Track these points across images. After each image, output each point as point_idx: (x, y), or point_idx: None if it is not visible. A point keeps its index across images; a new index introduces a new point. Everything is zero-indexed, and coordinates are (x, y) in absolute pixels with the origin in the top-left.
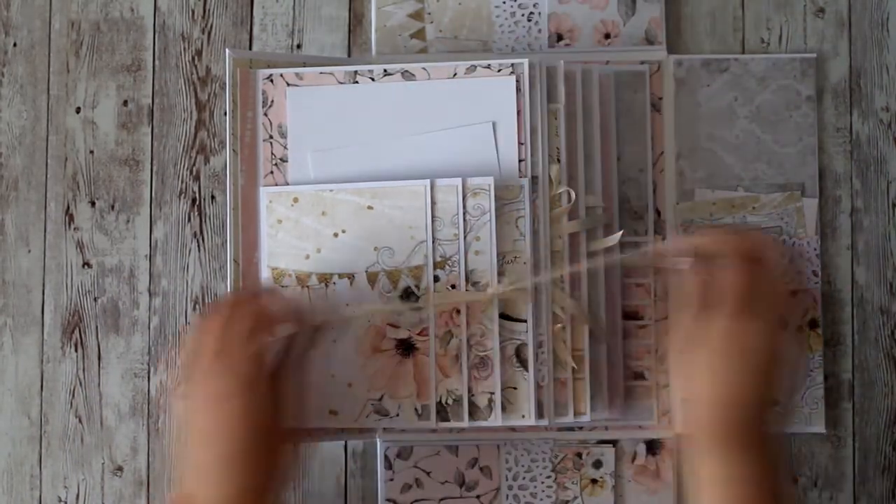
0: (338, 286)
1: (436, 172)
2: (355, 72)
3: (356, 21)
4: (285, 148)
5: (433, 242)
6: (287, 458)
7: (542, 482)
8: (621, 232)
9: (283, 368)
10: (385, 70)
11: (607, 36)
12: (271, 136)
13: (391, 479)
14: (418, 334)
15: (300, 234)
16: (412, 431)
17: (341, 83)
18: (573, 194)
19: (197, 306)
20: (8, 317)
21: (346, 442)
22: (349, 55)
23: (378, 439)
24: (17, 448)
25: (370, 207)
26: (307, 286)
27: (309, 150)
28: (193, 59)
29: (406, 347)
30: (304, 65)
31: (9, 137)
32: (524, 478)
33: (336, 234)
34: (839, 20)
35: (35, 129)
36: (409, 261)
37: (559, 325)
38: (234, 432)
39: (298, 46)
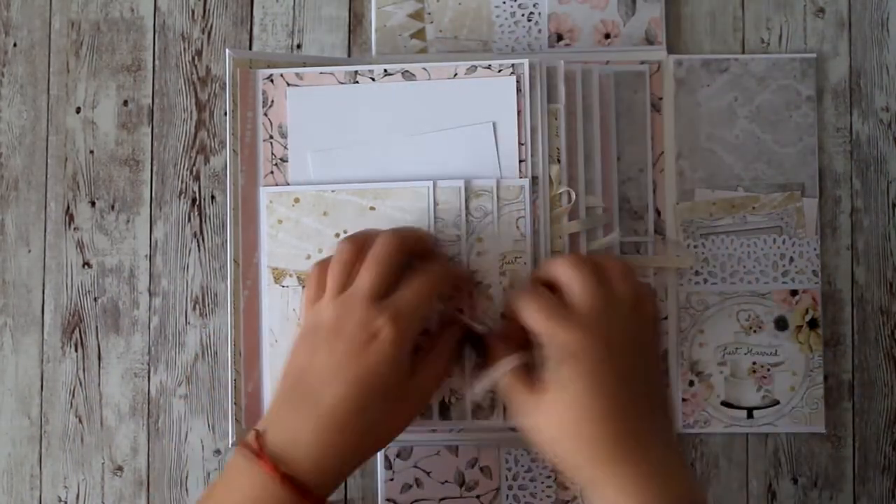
0: None
1: (436, 172)
2: (356, 72)
3: (356, 21)
4: (285, 148)
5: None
6: (388, 438)
7: (542, 482)
8: (616, 232)
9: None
10: (385, 70)
11: (607, 36)
12: (271, 136)
13: (391, 479)
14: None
15: (301, 234)
16: (412, 431)
17: (341, 83)
18: (573, 194)
19: (197, 306)
20: (8, 317)
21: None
22: (349, 55)
23: None
24: (17, 448)
25: (372, 208)
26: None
27: (309, 150)
28: (193, 59)
29: None
30: (305, 65)
31: (9, 137)
32: (524, 478)
33: (338, 235)
34: (839, 20)
35: (35, 129)
36: None
37: None
38: (364, 376)
39: (298, 46)
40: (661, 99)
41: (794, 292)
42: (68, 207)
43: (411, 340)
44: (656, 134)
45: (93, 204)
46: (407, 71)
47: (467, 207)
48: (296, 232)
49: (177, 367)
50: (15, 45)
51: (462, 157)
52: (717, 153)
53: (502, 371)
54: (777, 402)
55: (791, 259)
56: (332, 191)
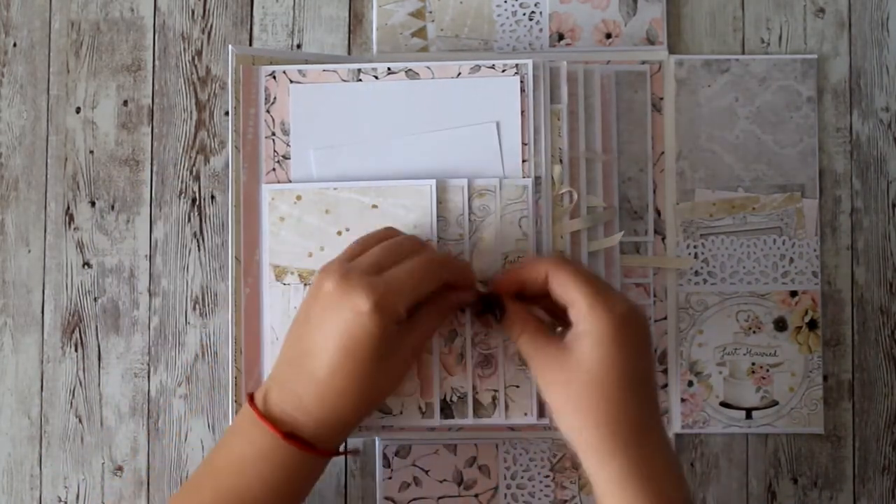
0: None
1: (439, 171)
2: (359, 70)
3: (356, 21)
4: (287, 145)
5: (438, 242)
6: (387, 391)
7: (541, 481)
8: (622, 233)
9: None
10: (389, 68)
11: (608, 36)
12: (273, 134)
13: (389, 478)
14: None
15: (303, 231)
16: (411, 430)
17: (344, 81)
18: (575, 195)
19: (197, 306)
20: (8, 317)
21: (345, 441)
22: (349, 55)
23: (377, 438)
24: (17, 448)
25: (374, 206)
26: (310, 283)
27: (311, 147)
28: (193, 59)
29: None
30: (307, 62)
31: (9, 137)
32: (522, 477)
33: (339, 233)
34: (839, 20)
35: (35, 129)
36: None
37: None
38: (352, 346)
39: (298, 46)
40: (661, 99)
41: (793, 293)
42: (68, 207)
43: (397, 316)
44: (657, 134)
45: (93, 204)
46: (410, 69)
47: (470, 206)
48: (298, 229)
49: (177, 367)
50: (15, 45)
51: (465, 157)
52: (717, 153)
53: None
54: (776, 403)
55: (791, 260)
56: (335, 188)
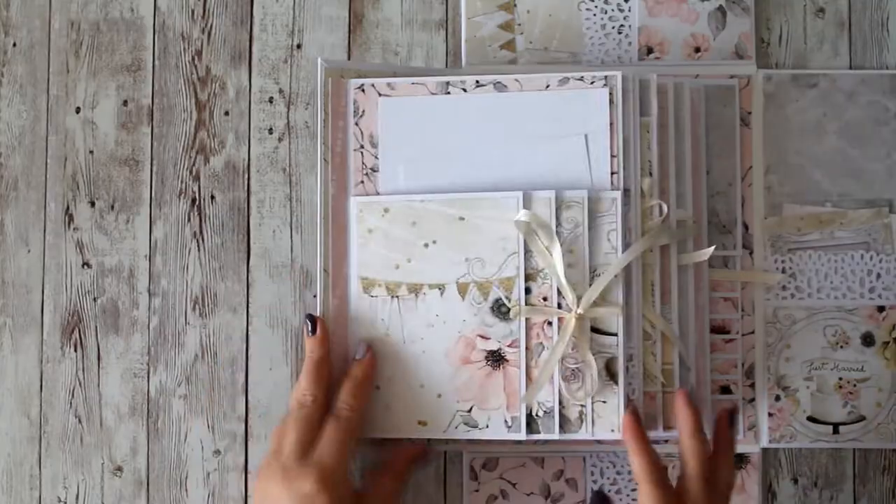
0: (428, 297)
1: (527, 184)
2: (447, 82)
3: (356, 21)
4: (376, 158)
5: (525, 254)
6: None
7: (627, 495)
8: (712, 248)
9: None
10: (477, 81)
11: (697, 50)
12: (362, 146)
13: (476, 490)
14: (508, 346)
15: (390, 243)
16: (498, 443)
17: (433, 94)
18: (665, 207)
19: (197, 306)
20: (7, 317)
21: (444, 452)
22: (349, 56)
23: (464, 450)
24: (16, 448)
25: (461, 218)
26: (397, 296)
27: (400, 160)
28: (193, 59)
29: (496, 359)
30: (395, 75)
31: (9, 137)
32: (610, 490)
33: (426, 245)
34: (839, 20)
35: (35, 129)
36: (500, 272)
37: (648, 341)
38: None
39: (298, 46)
40: (749, 113)
41: (880, 308)
42: (68, 207)
43: (342, 486)
44: (745, 148)
45: (92, 204)
46: (499, 82)
47: (558, 218)
48: (385, 241)
49: (176, 367)
50: (15, 45)
51: (553, 169)
52: (805, 168)
53: None
54: (863, 418)
55: (878, 275)
56: (421, 201)
